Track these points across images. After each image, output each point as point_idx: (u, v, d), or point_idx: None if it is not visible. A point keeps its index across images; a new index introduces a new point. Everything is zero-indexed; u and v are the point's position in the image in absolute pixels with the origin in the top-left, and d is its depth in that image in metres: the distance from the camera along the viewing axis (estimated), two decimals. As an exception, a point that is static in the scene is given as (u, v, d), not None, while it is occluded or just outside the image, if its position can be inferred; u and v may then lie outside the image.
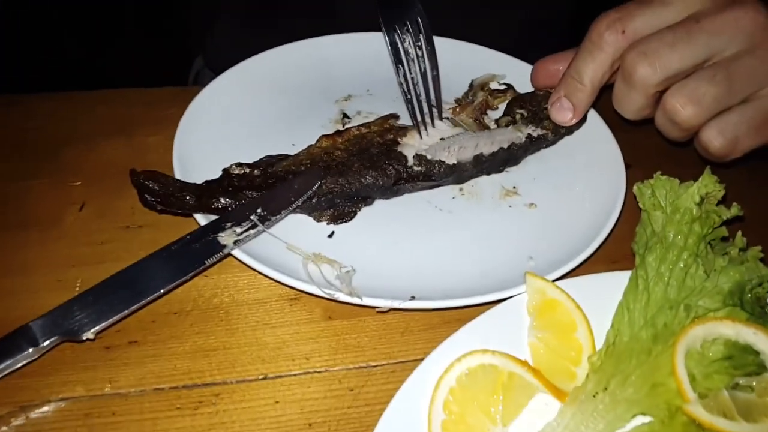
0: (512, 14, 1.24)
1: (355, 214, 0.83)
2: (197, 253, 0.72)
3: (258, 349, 0.71)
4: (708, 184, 0.69)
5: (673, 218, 0.69)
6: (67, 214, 0.82)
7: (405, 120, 0.91)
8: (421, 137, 0.88)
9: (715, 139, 0.78)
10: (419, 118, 0.89)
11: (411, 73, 0.91)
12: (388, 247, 0.80)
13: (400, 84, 0.90)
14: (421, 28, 0.92)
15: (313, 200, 0.80)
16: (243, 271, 0.77)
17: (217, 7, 1.33)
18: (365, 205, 0.84)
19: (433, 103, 0.92)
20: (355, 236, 0.81)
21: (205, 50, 1.45)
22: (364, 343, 0.73)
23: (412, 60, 0.91)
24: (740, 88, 0.77)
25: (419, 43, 0.91)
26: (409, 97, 0.90)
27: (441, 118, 0.92)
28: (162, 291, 0.69)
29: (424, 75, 0.91)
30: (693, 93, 0.76)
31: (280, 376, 0.69)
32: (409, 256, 0.79)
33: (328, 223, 0.81)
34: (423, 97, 0.91)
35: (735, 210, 0.69)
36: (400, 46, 0.91)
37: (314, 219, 0.81)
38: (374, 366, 0.71)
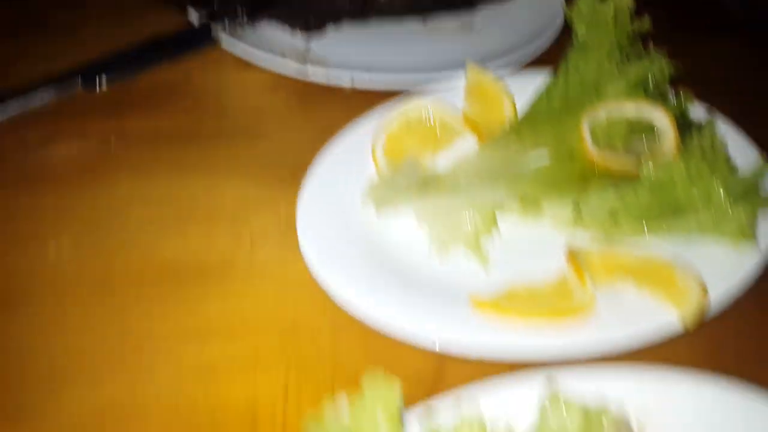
0: None
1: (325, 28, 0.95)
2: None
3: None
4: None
5: (594, 29, 0.81)
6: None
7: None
8: None
9: None
10: None
11: None
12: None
13: None
14: None
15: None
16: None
17: None
18: (335, 26, 0.95)
19: None
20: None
21: None
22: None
23: None
24: None
25: None
26: None
27: None
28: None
29: None
30: None
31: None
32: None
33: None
34: None
35: (646, 24, 0.81)
36: None
37: (290, 27, 0.93)
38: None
